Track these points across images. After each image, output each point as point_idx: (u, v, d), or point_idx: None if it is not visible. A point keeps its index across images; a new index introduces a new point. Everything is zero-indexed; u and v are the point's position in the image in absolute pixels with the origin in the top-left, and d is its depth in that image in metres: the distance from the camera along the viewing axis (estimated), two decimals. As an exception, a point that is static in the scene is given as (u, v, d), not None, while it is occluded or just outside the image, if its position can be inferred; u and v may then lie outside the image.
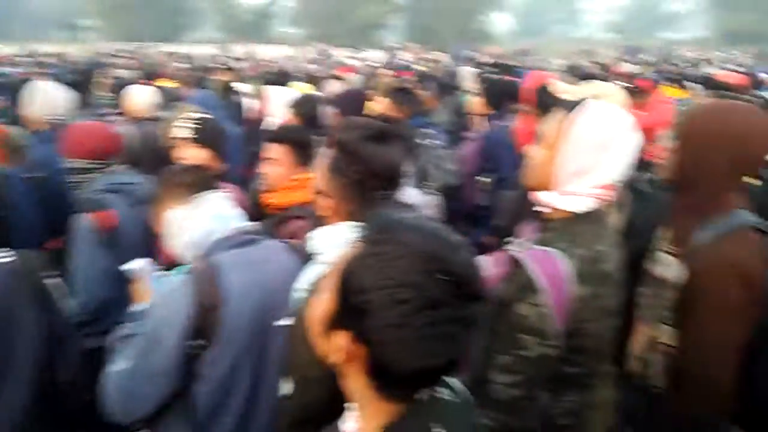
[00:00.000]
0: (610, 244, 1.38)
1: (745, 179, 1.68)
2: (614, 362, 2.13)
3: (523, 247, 1.38)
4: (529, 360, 1.26)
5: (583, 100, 1.38)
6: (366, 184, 1.31)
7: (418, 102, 3.43)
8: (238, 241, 1.61)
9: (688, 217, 1.58)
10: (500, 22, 44.47)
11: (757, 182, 2.54)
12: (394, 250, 0.77)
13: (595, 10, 64.16)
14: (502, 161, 3.04)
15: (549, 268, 1.26)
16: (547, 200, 1.38)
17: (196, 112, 2.51)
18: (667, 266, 1.60)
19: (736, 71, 6.82)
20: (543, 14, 57.63)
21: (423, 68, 9.51)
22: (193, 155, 2.28)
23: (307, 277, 1.38)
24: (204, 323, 1.43)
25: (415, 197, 1.92)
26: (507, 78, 3.88)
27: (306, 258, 1.47)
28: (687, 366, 1.54)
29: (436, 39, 31.04)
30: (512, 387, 1.28)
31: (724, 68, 8.11)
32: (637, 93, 4.97)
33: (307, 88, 5.14)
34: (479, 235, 3.01)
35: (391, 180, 1.34)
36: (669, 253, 1.62)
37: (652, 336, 1.67)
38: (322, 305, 0.84)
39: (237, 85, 5.73)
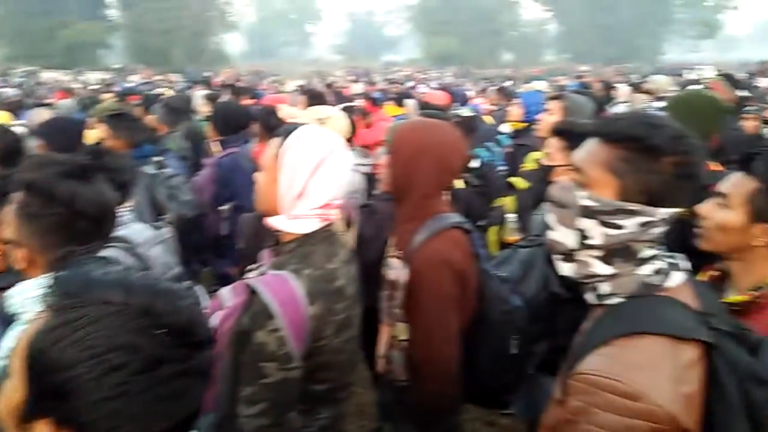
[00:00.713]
0: (342, 261, 1.44)
1: (455, 183, 1.94)
2: (369, 366, 2.26)
3: (258, 274, 1.37)
4: (271, 386, 1.25)
5: (295, 125, 1.42)
6: (69, 227, 1.15)
7: (142, 128, 3.18)
8: None
9: (408, 223, 1.75)
10: (232, 44, 44.44)
11: (463, 186, 2.99)
12: (91, 313, 0.67)
13: (323, 34, 68.50)
14: (237, 187, 2.99)
15: (282, 292, 1.26)
16: (276, 224, 1.39)
17: None
18: (395, 269, 1.74)
19: (444, 90, 7.89)
20: (273, 36, 59.28)
21: (158, 91, 8.97)
22: None
23: (6, 343, 1.16)
24: None
25: (141, 233, 1.76)
26: (237, 101, 3.86)
27: (6, 320, 1.24)
28: (417, 355, 1.70)
29: (165, 60, 29.65)
30: (259, 417, 1.25)
31: (435, 88, 9.32)
32: (364, 113, 5.41)
33: (4, 118, 4.40)
34: (224, 266, 2.92)
35: (100, 220, 1.20)
36: (395, 257, 1.77)
37: (392, 335, 1.81)
38: (10, 394, 0.69)
39: None
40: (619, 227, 1.08)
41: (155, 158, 3.00)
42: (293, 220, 1.37)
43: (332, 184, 1.37)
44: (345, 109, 4.28)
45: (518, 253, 2.06)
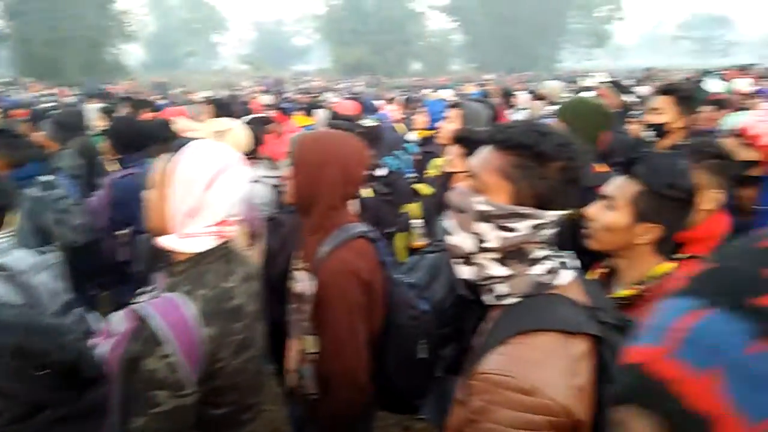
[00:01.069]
0: (239, 279, 1.39)
1: (363, 193, 1.95)
2: (279, 382, 2.20)
3: (151, 297, 1.30)
4: (163, 415, 1.18)
5: (188, 139, 1.37)
6: None
7: (26, 146, 2.95)
8: None
9: (314, 234, 1.73)
10: (132, 54, 42.48)
11: (372, 195, 3.00)
12: None
13: (229, 43, 67.09)
14: (136, 210, 2.82)
15: (172, 316, 1.20)
16: (168, 244, 1.32)
17: None
18: (302, 282, 1.71)
19: (355, 99, 7.92)
20: (177, 46, 57.19)
21: (45, 106, 8.40)
22: None
23: None
24: None
25: (24, 260, 1.62)
26: (137, 114, 3.67)
27: None
28: (327, 367, 1.68)
29: (57, 73, 27.84)
30: None
31: (346, 97, 9.34)
32: (273, 123, 5.32)
33: None
34: (125, 292, 2.74)
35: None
36: (302, 269, 1.74)
37: (301, 348, 1.77)
38: None
39: None
40: (512, 230, 1.11)
41: (42, 178, 2.78)
42: (185, 238, 1.31)
43: (228, 200, 1.32)
44: (253, 120, 4.19)
45: (425, 258, 2.09)
